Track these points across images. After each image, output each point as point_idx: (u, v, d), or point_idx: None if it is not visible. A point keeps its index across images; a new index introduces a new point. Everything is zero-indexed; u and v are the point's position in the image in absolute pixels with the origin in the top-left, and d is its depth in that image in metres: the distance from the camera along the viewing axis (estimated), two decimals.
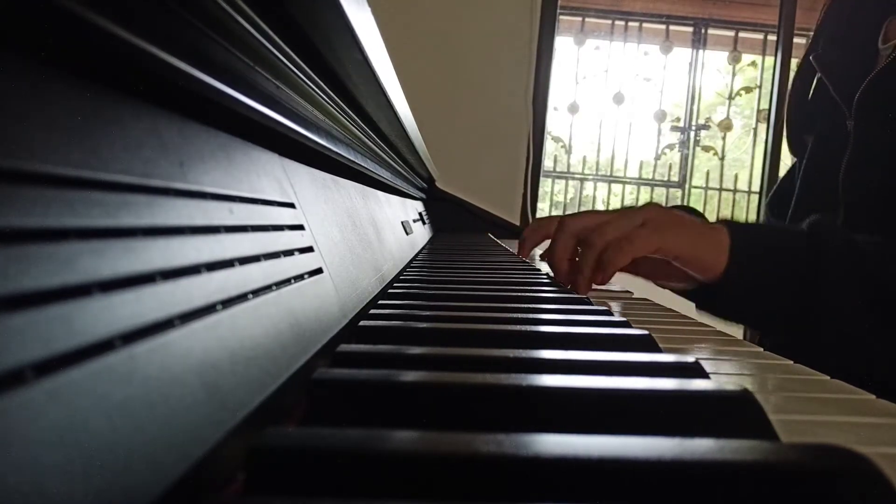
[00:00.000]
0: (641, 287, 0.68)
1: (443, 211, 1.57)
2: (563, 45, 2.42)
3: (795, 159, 0.83)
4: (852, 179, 0.65)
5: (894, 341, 0.51)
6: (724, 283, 0.52)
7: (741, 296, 0.53)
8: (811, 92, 0.78)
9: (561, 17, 2.23)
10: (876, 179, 0.62)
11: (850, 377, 0.30)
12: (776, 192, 0.87)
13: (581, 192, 2.64)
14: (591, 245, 0.52)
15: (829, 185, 0.68)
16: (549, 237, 0.65)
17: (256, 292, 0.21)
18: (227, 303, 0.18)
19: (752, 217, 2.46)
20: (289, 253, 0.26)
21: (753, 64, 2.54)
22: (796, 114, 0.80)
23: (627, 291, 0.66)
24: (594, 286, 0.54)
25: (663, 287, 0.62)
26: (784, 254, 0.53)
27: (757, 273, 0.52)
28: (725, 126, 2.56)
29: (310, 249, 0.30)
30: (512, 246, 1.10)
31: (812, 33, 0.79)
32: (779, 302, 0.53)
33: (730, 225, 0.53)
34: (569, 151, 2.58)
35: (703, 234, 0.52)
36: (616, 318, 0.40)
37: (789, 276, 0.52)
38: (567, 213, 2.62)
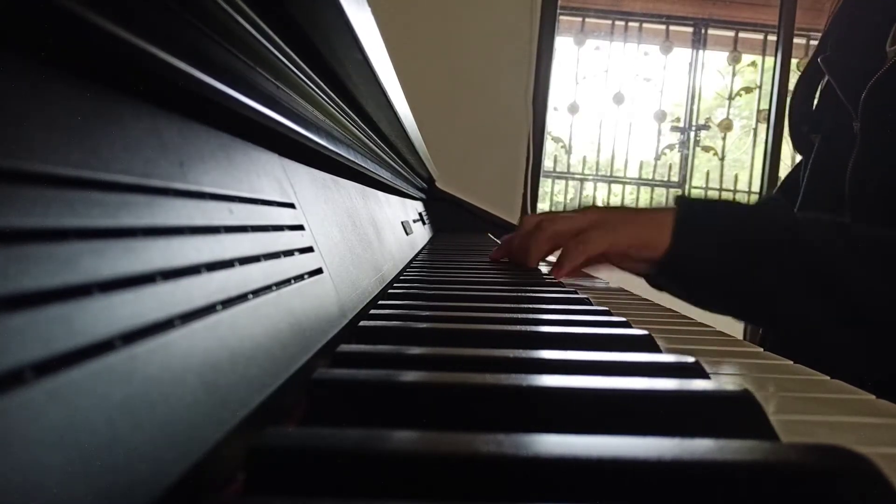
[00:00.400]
0: (642, 287, 0.69)
1: (443, 211, 1.57)
2: (563, 45, 2.42)
3: (799, 158, 0.83)
4: (859, 179, 0.65)
5: (850, 338, 0.53)
6: (668, 256, 0.56)
7: (685, 269, 0.57)
8: (818, 93, 0.78)
9: (561, 17, 2.23)
10: (882, 180, 0.62)
11: (851, 377, 0.30)
12: (781, 189, 0.87)
13: (581, 193, 2.64)
14: (542, 230, 0.64)
15: (835, 185, 0.68)
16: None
17: (256, 292, 0.21)
18: (227, 303, 0.18)
19: None
20: (289, 253, 0.26)
21: (753, 64, 2.54)
22: (800, 113, 0.80)
23: (626, 291, 0.66)
24: (593, 287, 0.56)
25: (625, 270, 0.66)
26: (728, 228, 0.56)
27: (698, 245, 0.56)
28: (725, 126, 2.56)
29: (310, 249, 0.30)
30: None
31: (821, 34, 0.79)
32: (724, 279, 0.56)
33: (679, 202, 0.58)
34: (569, 151, 2.58)
35: (650, 220, 0.58)
36: (616, 318, 0.40)
37: (730, 248, 0.55)
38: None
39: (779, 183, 0.91)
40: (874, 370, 0.50)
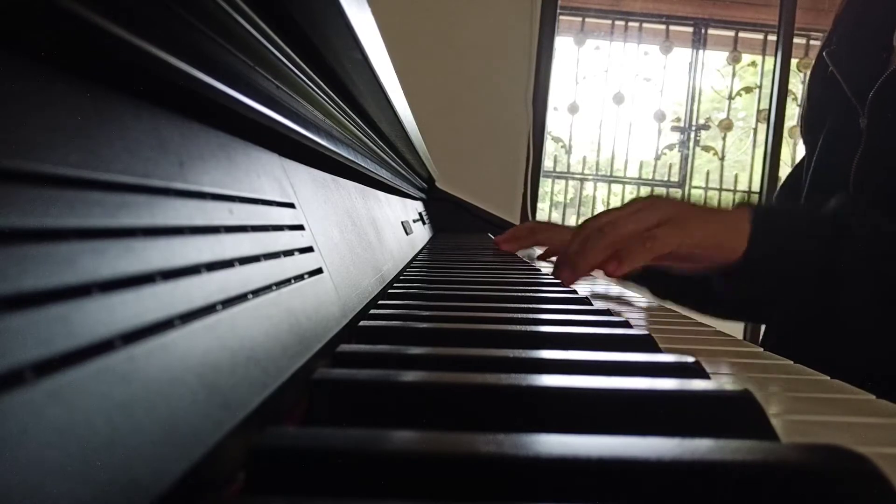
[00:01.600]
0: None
1: (443, 211, 1.57)
2: (563, 45, 2.42)
3: (800, 157, 0.83)
4: (864, 177, 0.65)
5: None
6: (744, 266, 0.53)
7: (760, 279, 0.54)
8: (821, 88, 0.77)
9: (561, 17, 2.23)
10: (888, 177, 0.62)
11: (851, 377, 0.30)
12: (784, 188, 0.87)
13: (581, 193, 2.64)
14: (605, 235, 0.54)
15: (840, 181, 0.68)
16: (542, 244, 0.70)
17: (256, 292, 0.21)
18: (227, 303, 0.18)
19: None
20: (289, 253, 0.26)
21: (753, 64, 2.54)
22: (807, 110, 0.80)
23: (626, 292, 0.66)
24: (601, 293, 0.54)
25: (669, 271, 0.61)
26: (806, 239, 0.53)
27: (777, 256, 0.53)
28: (725, 126, 2.56)
29: (310, 249, 0.30)
30: None
31: (827, 31, 0.79)
32: (797, 287, 0.54)
33: (752, 208, 0.55)
34: (569, 151, 2.57)
35: (724, 220, 0.54)
36: (616, 318, 0.40)
37: (810, 262, 0.53)
38: (566, 212, 2.62)
39: (779, 184, 0.91)
40: None
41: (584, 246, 0.55)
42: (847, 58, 0.71)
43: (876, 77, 0.64)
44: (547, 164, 2.47)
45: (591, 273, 0.58)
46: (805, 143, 0.82)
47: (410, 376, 0.22)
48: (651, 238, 0.52)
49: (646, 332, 0.33)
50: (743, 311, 0.58)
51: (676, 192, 2.58)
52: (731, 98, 2.56)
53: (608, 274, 0.54)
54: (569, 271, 0.57)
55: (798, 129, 0.88)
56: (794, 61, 2.24)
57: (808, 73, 0.82)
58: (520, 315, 0.39)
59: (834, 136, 0.73)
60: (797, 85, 2.39)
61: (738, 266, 0.53)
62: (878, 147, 0.64)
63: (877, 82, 0.64)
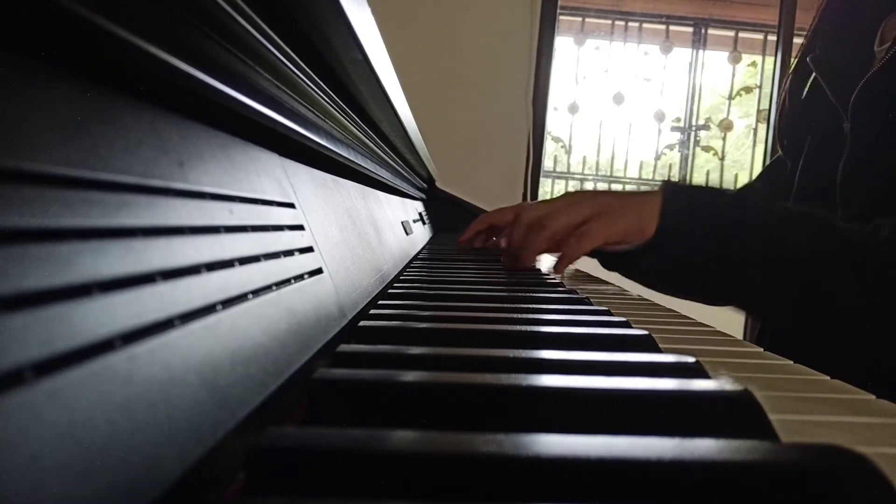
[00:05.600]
0: (641, 286, 0.69)
1: (443, 211, 1.57)
2: (563, 45, 2.42)
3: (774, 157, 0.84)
4: (850, 182, 0.65)
5: (831, 338, 0.54)
6: (652, 242, 0.59)
7: (669, 252, 0.59)
8: (804, 93, 0.77)
9: (561, 17, 2.23)
10: (873, 181, 0.62)
11: (851, 377, 0.30)
12: (761, 178, 0.88)
13: None
14: (544, 228, 0.63)
15: (827, 187, 0.68)
16: (494, 223, 0.87)
17: (256, 292, 0.21)
18: (227, 303, 0.18)
19: None
20: (289, 253, 0.26)
21: (753, 64, 2.54)
22: (791, 115, 0.80)
23: (626, 291, 0.66)
24: (599, 290, 0.56)
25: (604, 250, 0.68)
26: (712, 217, 0.58)
27: (684, 232, 0.58)
28: (726, 126, 2.56)
29: (310, 249, 0.30)
30: None
31: (806, 33, 0.79)
32: (701, 267, 0.58)
33: (665, 187, 0.60)
34: (569, 151, 2.57)
35: (642, 206, 0.60)
36: (616, 318, 0.40)
37: (711, 238, 0.57)
38: None
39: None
40: (858, 366, 0.51)
41: (526, 240, 0.65)
42: (829, 63, 0.71)
43: (858, 81, 0.64)
44: (547, 164, 2.47)
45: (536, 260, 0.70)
46: (782, 148, 0.82)
47: (410, 376, 0.22)
48: (584, 235, 0.60)
49: (646, 332, 0.33)
50: (666, 283, 0.65)
51: None
52: (731, 98, 2.56)
53: (554, 273, 0.63)
54: (516, 262, 0.68)
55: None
56: (793, 61, 2.24)
57: (788, 78, 0.82)
58: (520, 315, 0.39)
59: (819, 141, 0.74)
60: None
61: (645, 245, 0.60)
62: (863, 151, 0.64)
63: (858, 85, 0.64)
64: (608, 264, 0.70)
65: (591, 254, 0.76)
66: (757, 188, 0.71)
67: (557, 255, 0.68)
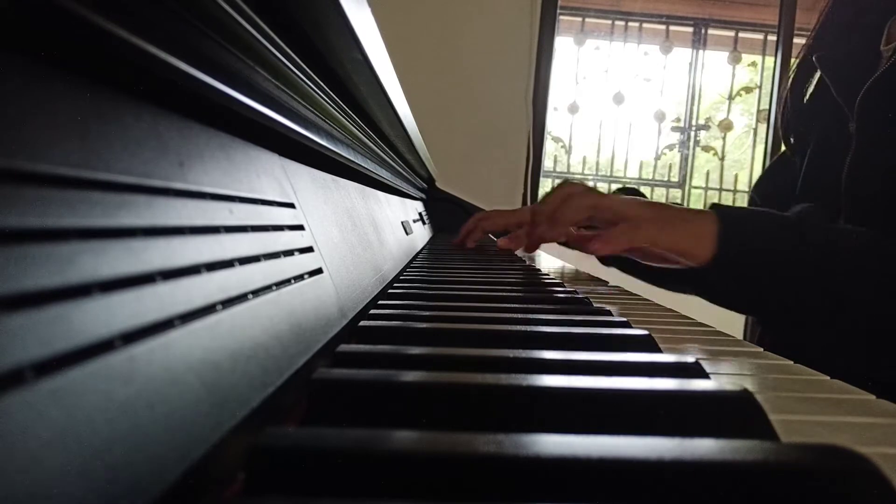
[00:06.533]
0: (641, 286, 0.69)
1: (443, 211, 1.57)
2: (563, 45, 2.42)
3: (775, 156, 0.84)
4: (855, 182, 0.65)
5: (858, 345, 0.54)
6: (713, 271, 0.56)
7: (730, 283, 0.57)
8: (808, 92, 0.77)
9: (561, 17, 2.23)
10: (879, 182, 0.62)
11: (851, 377, 0.30)
12: (758, 188, 0.88)
13: None
14: (586, 196, 0.59)
15: (832, 187, 0.68)
16: (489, 230, 0.84)
17: (256, 292, 0.21)
18: (227, 303, 0.18)
19: None
20: (289, 253, 0.26)
21: (753, 64, 2.54)
22: (794, 114, 0.80)
23: (627, 291, 0.66)
24: (598, 290, 0.56)
25: (640, 261, 0.65)
26: (769, 244, 0.56)
27: (745, 263, 0.56)
28: (726, 126, 2.56)
29: (310, 249, 0.30)
30: None
31: (810, 32, 0.78)
32: (767, 290, 0.56)
33: (718, 211, 0.57)
34: (569, 151, 2.57)
35: (691, 228, 0.57)
36: (616, 318, 0.40)
37: (778, 266, 0.55)
38: None
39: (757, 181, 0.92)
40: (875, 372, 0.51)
41: (563, 207, 0.60)
42: (835, 62, 0.71)
43: (864, 81, 0.64)
44: (547, 164, 2.47)
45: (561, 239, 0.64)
46: (789, 147, 0.82)
47: (410, 376, 0.22)
48: (636, 229, 0.56)
49: (646, 332, 0.33)
50: (707, 296, 0.64)
51: (676, 193, 2.58)
52: (731, 98, 2.56)
53: (590, 250, 0.58)
54: (545, 230, 0.62)
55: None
56: (793, 61, 2.24)
57: (789, 78, 0.82)
58: (520, 315, 0.39)
59: (825, 142, 0.73)
60: None
61: (708, 270, 0.57)
62: (868, 152, 0.64)
63: (864, 86, 0.64)
64: (614, 263, 0.69)
65: (610, 261, 0.73)
66: (810, 210, 0.68)
67: (570, 249, 0.65)
